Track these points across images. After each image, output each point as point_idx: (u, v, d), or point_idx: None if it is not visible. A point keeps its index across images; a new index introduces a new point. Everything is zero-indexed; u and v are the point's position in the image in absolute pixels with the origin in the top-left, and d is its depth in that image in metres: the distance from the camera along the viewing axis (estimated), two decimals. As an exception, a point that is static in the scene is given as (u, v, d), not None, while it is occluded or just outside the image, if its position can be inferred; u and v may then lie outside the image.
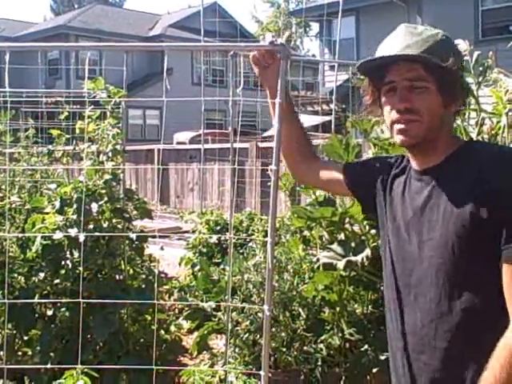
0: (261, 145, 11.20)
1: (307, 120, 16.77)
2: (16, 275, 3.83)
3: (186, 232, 9.13)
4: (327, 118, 13.50)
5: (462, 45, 3.12)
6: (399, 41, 1.58)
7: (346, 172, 1.94)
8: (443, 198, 1.56)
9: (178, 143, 16.97)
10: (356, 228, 3.40)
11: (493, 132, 3.12)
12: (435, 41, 1.57)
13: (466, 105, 1.79)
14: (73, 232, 3.54)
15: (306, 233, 3.92)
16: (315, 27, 31.51)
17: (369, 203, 1.87)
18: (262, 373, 1.91)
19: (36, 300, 3.66)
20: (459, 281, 1.53)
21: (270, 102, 2.00)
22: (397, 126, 1.60)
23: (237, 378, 3.44)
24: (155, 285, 3.69)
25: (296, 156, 2.06)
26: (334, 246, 3.32)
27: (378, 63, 1.61)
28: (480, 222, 1.48)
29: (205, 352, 4.16)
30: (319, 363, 3.52)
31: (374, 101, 1.69)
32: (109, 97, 3.69)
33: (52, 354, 3.63)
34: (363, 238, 3.27)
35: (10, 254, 3.89)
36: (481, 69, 3.10)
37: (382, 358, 3.09)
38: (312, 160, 2.06)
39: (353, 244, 3.23)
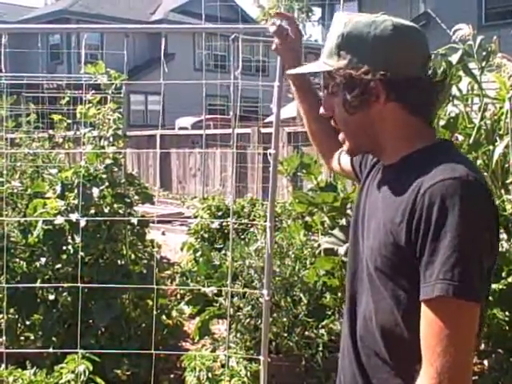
0: (263, 130, 11.17)
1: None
2: (18, 260, 3.84)
3: (188, 217, 9.14)
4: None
5: (465, 30, 3.11)
6: (327, 39, 1.45)
7: (352, 162, 1.81)
8: (383, 205, 1.38)
9: (180, 129, 16.94)
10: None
11: (495, 117, 3.10)
12: (339, 39, 1.39)
13: (427, 94, 1.39)
14: (74, 217, 3.54)
15: (308, 218, 3.92)
16: (318, 12, 31.32)
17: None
18: (261, 358, 1.91)
19: (37, 284, 3.67)
20: (379, 298, 1.36)
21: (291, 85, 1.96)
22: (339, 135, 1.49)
23: (238, 362, 3.45)
24: (156, 270, 3.70)
25: (322, 145, 1.98)
26: (336, 232, 3.32)
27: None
28: (400, 247, 1.29)
29: (206, 337, 4.17)
30: (320, 348, 3.53)
31: None
32: (109, 81, 3.67)
33: (54, 339, 3.65)
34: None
35: (12, 239, 3.89)
36: (484, 54, 3.08)
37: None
38: (335, 152, 1.91)
39: (354, 230, 3.22)
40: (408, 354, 1.31)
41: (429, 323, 1.23)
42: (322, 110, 1.46)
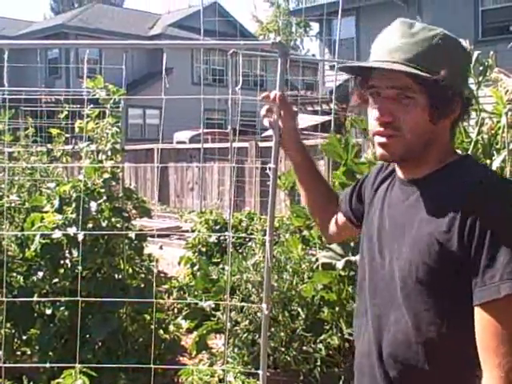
0: (260, 144, 11.19)
1: (307, 120, 16.77)
2: (15, 274, 3.83)
3: (186, 231, 9.13)
4: (327, 118, 13.49)
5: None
6: (391, 41, 1.40)
7: (345, 215, 1.83)
8: (418, 216, 1.40)
9: (178, 142, 16.97)
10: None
11: (493, 132, 3.11)
12: (429, 45, 1.36)
13: (468, 114, 1.51)
14: (72, 231, 3.54)
15: (306, 232, 3.92)
16: (315, 27, 31.50)
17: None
18: (260, 372, 1.90)
19: (35, 298, 3.66)
20: (420, 310, 1.36)
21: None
22: (377, 139, 1.43)
23: (235, 377, 3.43)
24: (153, 284, 3.69)
25: (322, 225, 1.95)
26: (333, 246, 3.31)
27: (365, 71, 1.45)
28: (449, 254, 1.31)
29: (204, 352, 4.15)
30: (318, 363, 3.52)
31: (361, 104, 1.51)
32: (108, 95, 3.68)
33: (51, 354, 3.63)
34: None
35: (9, 252, 3.88)
36: (481, 68, 3.09)
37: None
38: (331, 223, 1.89)
39: (352, 244, 3.22)
40: (453, 362, 1.34)
41: (488, 325, 1.25)
42: (377, 114, 1.41)
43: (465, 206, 1.30)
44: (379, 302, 1.47)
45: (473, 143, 3.00)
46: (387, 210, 1.51)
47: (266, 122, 1.83)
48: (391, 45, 1.39)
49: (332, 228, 1.88)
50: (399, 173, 1.52)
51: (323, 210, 1.91)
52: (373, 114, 1.43)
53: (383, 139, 1.41)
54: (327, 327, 3.56)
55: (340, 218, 1.85)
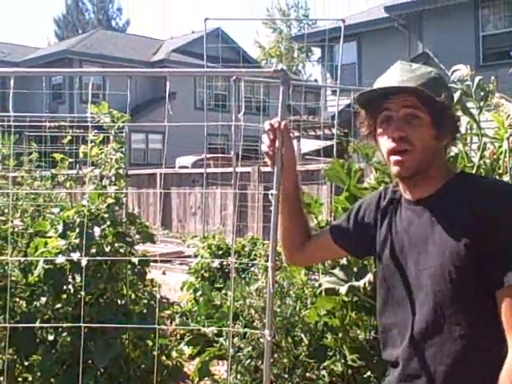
0: (263, 169, 11.22)
1: (309, 144, 16.82)
2: (17, 299, 3.82)
3: (188, 257, 9.11)
4: (329, 143, 13.53)
5: (463, 70, 3.15)
6: (395, 76, 1.64)
7: (333, 235, 1.96)
8: (437, 228, 1.61)
9: (181, 167, 17.02)
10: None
11: (495, 157, 3.12)
12: (429, 78, 1.63)
13: (456, 139, 1.82)
14: (75, 256, 3.54)
15: (309, 257, 3.91)
16: (317, 52, 31.75)
17: (365, 251, 1.92)
18: (264, 399, 1.89)
19: (37, 324, 3.64)
20: (456, 308, 1.58)
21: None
22: (393, 158, 1.64)
23: (238, 404, 3.41)
24: (157, 310, 3.67)
25: (291, 248, 2.06)
26: (336, 271, 3.31)
27: (377, 95, 1.66)
28: (475, 253, 1.54)
29: (206, 378, 4.12)
30: (322, 390, 3.49)
31: (370, 133, 1.73)
32: (112, 121, 3.71)
33: (53, 380, 3.61)
34: (365, 262, 3.26)
35: (12, 278, 3.88)
36: (482, 94, 3.11)
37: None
38: (305, 246, 2.02)
39: (355, 269, 3.21)
40: (486, 343, 1.56)
41: None
42: (391, 132, 1.63)
43: (483, 208, 1.53)
44: (410, 311, 1.66)
45: (475, 168, 3.01)
46: (402, 231, 1.70)
47: (264, 148, 1.89)
48: (398, 78, 1.64)
49: (306, 250, 2.02)
50: (406, 194, 1.71)
51: (299, 237, 2.02)
52: (386, 134, 1.65)
53: (398, 157, 1.62)
54: (330, 353, 3.53)
55: (324, 242, 1.98)
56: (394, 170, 1.64)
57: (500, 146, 3.06)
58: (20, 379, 3.83)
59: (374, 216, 1.81)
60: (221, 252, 6.61)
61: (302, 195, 2.06)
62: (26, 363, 3.78)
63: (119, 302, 3.81)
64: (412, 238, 1.66)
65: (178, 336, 4.95)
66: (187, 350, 4.53)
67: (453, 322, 1.58)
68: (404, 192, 1.73)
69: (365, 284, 3.09)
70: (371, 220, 1.82)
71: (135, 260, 3.82)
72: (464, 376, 1.58)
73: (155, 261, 6.32)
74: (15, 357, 3.79)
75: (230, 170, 10.92)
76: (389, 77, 1.66)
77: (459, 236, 1.56)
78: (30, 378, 3.77)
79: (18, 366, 3.83)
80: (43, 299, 3.69)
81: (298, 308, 3.73)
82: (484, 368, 1.56)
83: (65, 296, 3.66)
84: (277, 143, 1.84)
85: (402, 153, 1.61)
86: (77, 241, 3.58)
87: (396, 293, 1.72)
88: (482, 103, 3.09)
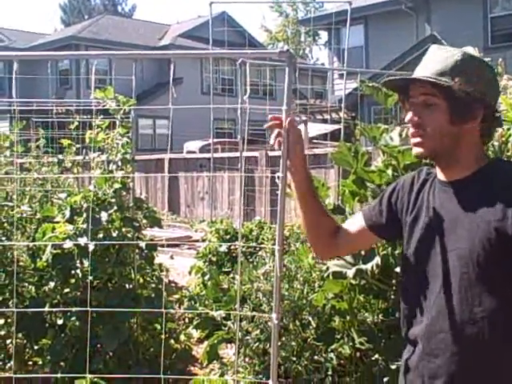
0: (270, 153, 11.19)
1: (316, 128, 16.77)
2: (26, 284, 3.85)
3: (196, 241, 9.14)
4: (336, 127, 13.49)
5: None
6: (422, 63, 1.74)
7: (368, 222, 1.94)
8: (469, 211, 1.65)
9: (188, 152, 17.01)
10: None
11: (503, 139, 3.10)
12: (449, 62, 1.67)
13: (495, 123, 1.78)
14: (83, 241, 3.55)
15: (316, 241, 3.90)
16: (324, 36, 31.56)
17: (398, 234, 1.89)
18: (270, 382, 1.90)
19: (45, 309, 3.67)
20: (481, 291, 1.61)
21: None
22: (412, 140, 1.74)
23: (246, 387, 3.42)
24: (163, 293, 3.69)
25: (318, 242, 2.03)
26: (344, 254, 3.30)
27: (402, 83, 1.77)
28: (505, 237, 1.57)
29: (215, 361, 4.14)
30: (330, 373, 3.50)
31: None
32: (118, 106, 3.70)
33: (62, 364, 3.64)
34: (373, 246, 3.26)
35: (21, 263, 3.90)
36: (490, 76, 3.08)
37: (393, 367, 3.06)
38: (337, 239, 1.99)
39: (362, 252, 3.21)
40: (507, 327, 1.60)
41: None
42: (411, 117, 1.71)
43: (508, 194, 1.59)
44: (433, 290, 1.69)
45: (483, 150, 2.99)
46: (434, 212, 1.73)
47: (276, 145, 1.88)
48: (422, 65, 1.73)
49: (341, 244, 1.99)
50: (440, 175, 1.76)
51: (328, 231, 1.99)
52: (407, 118, 1.73)
53: (415, 139, 1.71)
54: (338, 336, 3.54)
55: (359, 231, 1.96)
56: (414, 151, 1.75)
57: (509, 129, 3.04)
58: (30, 363, 3.86)
59: (407, 198, 1.84)
60: (228, 236, 6.62)
61: (315, 188, 2.02)
62: (36, 347, 3.81)
63: (127, 286, 3.83)
64: (443, 218, 1.70)
65: (187, 320, 4.97)
66: (196, 334, 4.56)
67: (476, 304, 1.60)
68: (439, 173, 1.78)
69: (372, 267, 3.09)
70: (405, 202, 1.84)
71: (143, 244, 3.83)
72: (482, 358, 1.61)
73: (163, 245, 6.35)
74: (25, 341, 3.82)
75: (237, 154, 10.92)
76: (423, 61, 1.74)
77: (490, 220, 1.60)
78: (40, 362, 3.80)
79: (27, 350, 3.86)
80: (52, 284, 3.72)
81: (305, 291, 3.73)
82: (503, 350, 1.60)
83: (73, 281, 3.68)
84: (284, 124, 1.83)
85: (418, 136, 1.70)
86: (84, 226, 3.59)
87: (422, 273, 1.73)
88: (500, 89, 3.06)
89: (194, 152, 16.88)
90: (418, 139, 1.71)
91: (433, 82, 1.65)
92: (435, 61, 1.69)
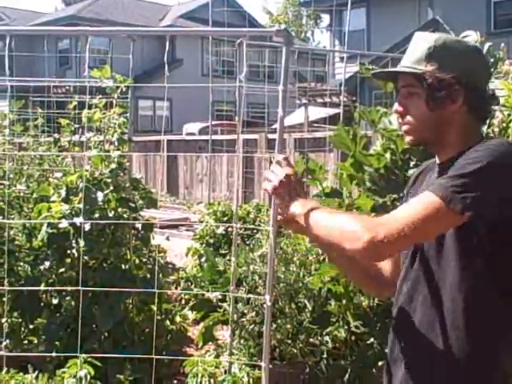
0: (270, 136, 11.16)
1: (316, 112, 16.71)
2: (22, 263, 3.84)
3: (194, 223, 9.13)
4: (337, 111, 13.43)
5: (473, 36, 3.09)
6: (407, 51, 1.75)
7: None
8: None
9: (188, 134, 16.96)
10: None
11: (504, 125, 3.08)
12: (426, 48, 1.68)
13: (486, 103, 1.76)
14: (78, 221, 3.53)
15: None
16: (326, 19, 31.34)
17: None
18: (262, 364, 1.89)
19: (40, 288, 3.66)
20: (439, 265, 1.63)
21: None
22: (402, 129, 1.78)
23: (240, 369, 3.43)
24: (159, 275, 3.68)
25: (370, 284, 1.98)
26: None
27: (389, 76, 1.86)
28: None
29: (210, 343, 4.15)
30: (324, 356, 3.51)
31: None
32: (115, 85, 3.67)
33: (57, 343, 3.64)
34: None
35: (17, 242, 3.89)
36: (492, 61, 3.06)
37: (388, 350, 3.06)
38: (378, 269, 1.92)
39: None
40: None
41: None
42: (396, 107, 1.73)
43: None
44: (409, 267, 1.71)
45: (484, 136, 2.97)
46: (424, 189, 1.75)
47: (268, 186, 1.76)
48: (408, 51, 1.74)
49: (390, 274, 1.90)
50: (436, 159, 1.79)
51: (375, 272, 1.92)
52: (393, 108, 1.77)
53: (404, 127, 1.76)
54: (334, 320, 3.54)
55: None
56: (405, 139, 1.79)
57: (509, 114, 3.02)
58: (25, 342, 3.86)
59: (410, 185, 1.90)
60: (226, 218, 6.60)
61: None
62: (31, 326, 3.81)
63: (123, 266, 3.82)
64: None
65: (183, 301, 4.97)
66: (191, 315, 4.56)
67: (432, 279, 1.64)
68: (436, 158, 1.82)
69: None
70: (409, 190, 1.89)
71: (138, 225, 3.81)
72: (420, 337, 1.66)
73: (160, 227, 6.33)
74: (20, 320, 3.82)
75: (236, 136, 10.88)
76: (406, 53, 1.76)
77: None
78: (35, 341, 3.81)
79: (23, 329, 3.86)
80: (47, 263, 3.71)
81: (301, 274, 3.73)
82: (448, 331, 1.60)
83: (68, 260, 3.68)
84: (279, 111, 1.82)
85: (405, 125, 1.75)
86: (80, 205, 3.57)
87: (405, 258, 1.76)
88: (491, 70, 3.04)
89: (193, 134, 16.84)
90: (405, 127, 1.75)
91: (408, 72, 1.69)
92: (415, 49, 1.72)
